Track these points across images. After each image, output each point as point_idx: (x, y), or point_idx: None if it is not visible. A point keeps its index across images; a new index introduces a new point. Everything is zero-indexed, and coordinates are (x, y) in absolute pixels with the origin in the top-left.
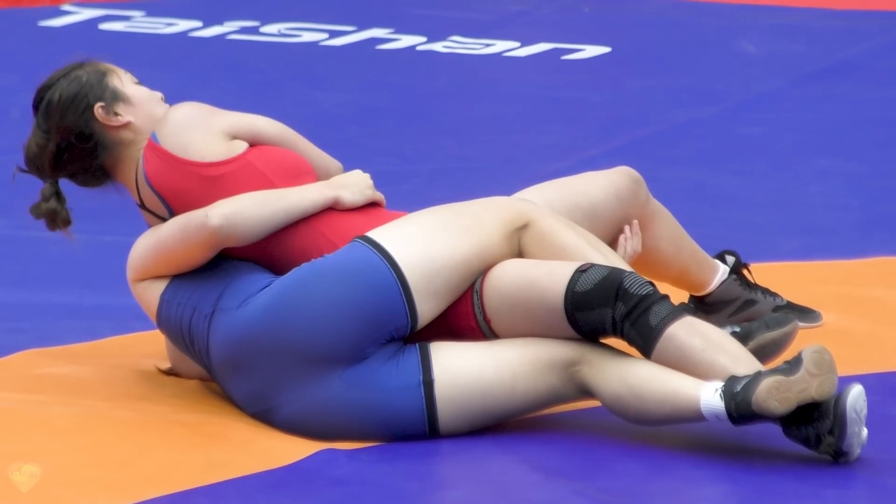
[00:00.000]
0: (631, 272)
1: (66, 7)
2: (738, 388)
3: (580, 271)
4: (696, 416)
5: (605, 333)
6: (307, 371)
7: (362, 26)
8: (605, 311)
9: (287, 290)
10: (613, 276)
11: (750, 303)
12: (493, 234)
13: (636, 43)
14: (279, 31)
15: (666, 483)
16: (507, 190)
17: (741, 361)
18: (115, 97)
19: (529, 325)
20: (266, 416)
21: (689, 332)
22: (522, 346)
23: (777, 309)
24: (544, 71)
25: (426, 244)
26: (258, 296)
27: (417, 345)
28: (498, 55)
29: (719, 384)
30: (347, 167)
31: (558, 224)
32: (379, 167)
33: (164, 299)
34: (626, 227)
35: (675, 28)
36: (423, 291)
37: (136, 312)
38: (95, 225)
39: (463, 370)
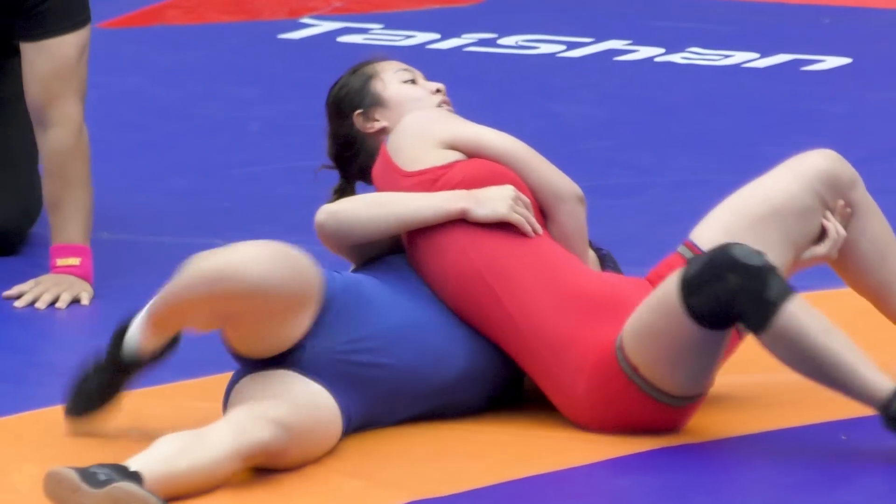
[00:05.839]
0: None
1: (306, 20)
2: None
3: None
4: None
5: (728, 317)
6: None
7: (600, 38)
8: (717, 286)
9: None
10: (721, 249)
11: None
12: None
13: (877, 54)
14: (516, 42)
15: None
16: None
17: (854, 349)
18: (373, 102)
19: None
20: None
21: (810, 313)
22: None
23: None
24: (784, 82)
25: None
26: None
27: None
28: (737, 66)
29: None
30: (585, 180)
31: None
32: (616, 179)
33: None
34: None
35: None
36: None
37: None
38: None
39: None
